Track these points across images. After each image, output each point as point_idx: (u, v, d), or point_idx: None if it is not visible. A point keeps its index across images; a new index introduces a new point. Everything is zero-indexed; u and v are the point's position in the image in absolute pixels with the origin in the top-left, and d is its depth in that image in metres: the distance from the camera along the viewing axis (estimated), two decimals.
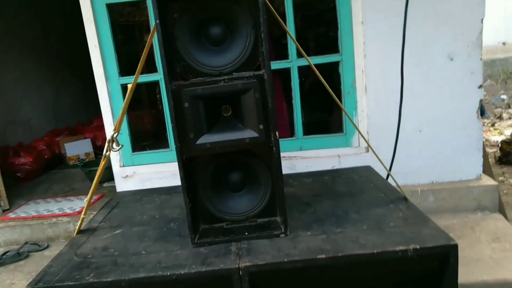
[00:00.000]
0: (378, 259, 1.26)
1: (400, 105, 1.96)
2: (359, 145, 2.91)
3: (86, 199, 1.63)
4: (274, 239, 1.41)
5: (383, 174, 2.01)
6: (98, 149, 4.84)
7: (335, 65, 2.84)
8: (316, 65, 1.63)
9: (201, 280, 1.26)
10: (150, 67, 3.15)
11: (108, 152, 1.58)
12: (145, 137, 3.81)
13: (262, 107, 1.35)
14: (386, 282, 1.36)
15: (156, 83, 3.01)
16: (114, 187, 3.64)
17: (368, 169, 2.06)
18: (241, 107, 1.39)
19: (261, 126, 1.36)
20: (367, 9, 2.65)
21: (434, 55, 2.69)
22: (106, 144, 1.58)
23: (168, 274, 1.24)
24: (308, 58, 1.56)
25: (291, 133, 2.95)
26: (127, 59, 3.25)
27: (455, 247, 1.25)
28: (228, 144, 1.38)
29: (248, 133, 1.38)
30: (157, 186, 2.97)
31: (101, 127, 5.07)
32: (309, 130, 2.92)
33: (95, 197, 3.58)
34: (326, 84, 1.58)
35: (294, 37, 2.73)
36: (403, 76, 1.90)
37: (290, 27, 2.77)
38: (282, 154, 2.78)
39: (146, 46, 1.47)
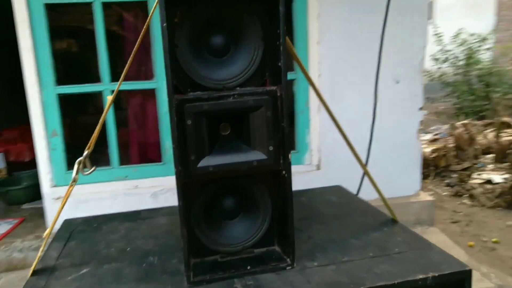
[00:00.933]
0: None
1: (373, 124, 1.93)
2: (310, 162, 2.85)
3: (45, 233, 1.30)
4: (280, 272, 1.24)
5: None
6: (11, 165, 4.19)
7: (290, 83, 2.77)
8: None
9: None
10: (86, 76, 2.80)
11: (77, 175, 1.29)
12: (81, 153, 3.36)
13: (273, 126, 1.19)
14: None
15: (96, 94, 2.66)
16: (37, 208, 3.17)
17: (340, 189, 1.98)
18: (248, 126, 1.21)
19: (270, 148, 1.20)
20: (324, 30, 2.62)
21: (383, 77, 2.75)
22: (76, 166, 1.28)
23: None
24: (308, 74, 1.44)
25: None
26: (65, 66, 2.85)
27: (469, 273, 1.20)
28: (233, 168, 1.20)
29: (256, 155, 1.21)
30: (95, 208, 2.64)
31: (13, 140, 4.43)
32: None
33: (14, 221, 3.05)
34: (326, 104, 1.47)
35: None
36: (377, 96, 1.87)
37: None
38: None
39: (133, 51, 1.23)
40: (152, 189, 2.75)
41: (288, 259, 1.27)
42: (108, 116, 2.62)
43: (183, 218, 1.16)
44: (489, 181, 4.70)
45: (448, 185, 5.03)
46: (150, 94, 2.75)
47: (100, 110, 2.72)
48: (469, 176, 4.94)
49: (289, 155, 1.20)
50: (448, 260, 1.26)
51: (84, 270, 1.32)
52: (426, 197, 3.03)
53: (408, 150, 2.92)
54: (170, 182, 2.73)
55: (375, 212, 1.68)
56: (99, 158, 2.95)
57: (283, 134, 1.19)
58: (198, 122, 1.15)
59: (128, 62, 1.23)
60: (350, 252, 1.34)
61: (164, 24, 1.03)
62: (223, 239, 1.32)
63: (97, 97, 2.71)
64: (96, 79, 2.59)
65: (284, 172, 1.21)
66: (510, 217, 4.10)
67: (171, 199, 2.70)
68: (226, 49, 1.21)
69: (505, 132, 6.12)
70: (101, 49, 2.49)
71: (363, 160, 2.09)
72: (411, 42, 2.72)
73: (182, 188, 1.15)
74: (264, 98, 1.17)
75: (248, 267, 1.24)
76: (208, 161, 1.18)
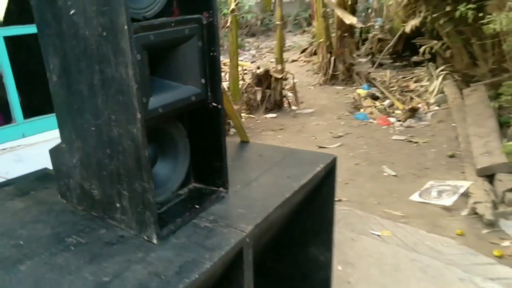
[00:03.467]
0: (311, 182, 1.47)
1: None
2: None
3: None
4: (223, 201, 1.32)
5: None
6: None
7: None
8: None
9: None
10: None
11: None
12: None
13: (205, 57, 1.20)
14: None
15: None
16: None
17: None
18: (175, 60, 1.17)
19: (202, 81, 1.21)
20: None
21: None
22: None
23: (194, 278, 0.97)
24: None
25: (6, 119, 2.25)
26: None
27: (336, 159, 1.63)
28: (175, 106, 1.16)
29: (191, 90, 1.20)
30: None
31: None
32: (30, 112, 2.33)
33: None
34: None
35: None
36: None
37: None
38: (1, 146, 2.19)
39: None
40: None
41: (220, 188, 1.34)
42: None
43: (146, 167, 1.04)
44: None
45: None
46: None
47: None
48: None
49: (221, 87, 1.24)
50: (317, 155, 1.66)
51: None
52: None
53: None
54: None
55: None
56: None
57: (214, 65, 1.22)
58: (144, 57, 1.03)
59: None
60: (249, 171, 1.54)
61: None
62: None
63: None
64: None
65: (216, 104, 1.25)
66: None
67: None
68: None
69: None
70: None
71: None
72: None
73: (145, 136, 1.02)
74: (195, 26, 1.16)
75: (197, 206, 1.25)
76: (155, 102, 1.08)
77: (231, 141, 1.87)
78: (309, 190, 1.52)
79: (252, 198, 1.33)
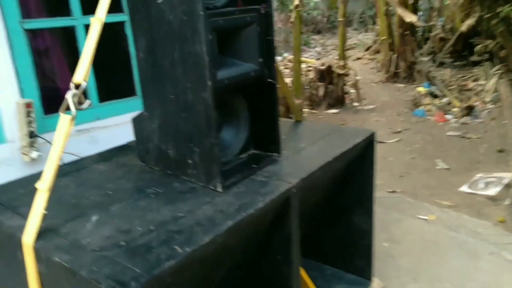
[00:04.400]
0: (351, 151, 1.67)
1: None
2: None
3: (44, 184, 1.14)
4: (276, 163, 1.55)
5: None
6: None
7: (120, 25, 2.73)
8: None
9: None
10: None
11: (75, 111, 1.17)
12: None
13: (262, 41, 1.44)
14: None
15: None
16: None
17: None
18: (238, 42, 1.42)
19: (260, 60, 1.45)
20: None
21: None
22: (71, 100, 1.16)
23: (251, 212, 1.21)
24: None
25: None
26: None
27: (374, 134, 1.82)
28: (238, 79, 1.41)
29: (250, 67, 1.44)
30: None
31: None
32: (104, 96, 2.68)
33: None
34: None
35: None
36: None
37: None
38: (77, 128, 2.50)
39: None
40: None
41: (274, 154, 1.58)
42: None
43: (214, 126, 1.30)
44: None
45: None
46: None
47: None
48: None
49: (275, 65, 1.48)
50: (358, 130, 1.86)
51: (94, 218, 1.24)
52: None
53: None
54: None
55: None
56: None
57: (270, 47, 1.46)
58: (214, 37, 1.29)
59: None
60: (300, 142, 1.76)
61: None
62: None
63: None
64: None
65: (272, 80, 1.49)
66: None
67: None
68: None
69: None
70: None
71: None
72: None
73: (214, 101, 1.28)
74: (255, 15, 1.40)
75: (254, 166, 1.49)
76: (222, 74, 1.33)
77: (287, 120, 2.11)
78: (350, 159, 1.72)
79: (300, 161, 1.55)
